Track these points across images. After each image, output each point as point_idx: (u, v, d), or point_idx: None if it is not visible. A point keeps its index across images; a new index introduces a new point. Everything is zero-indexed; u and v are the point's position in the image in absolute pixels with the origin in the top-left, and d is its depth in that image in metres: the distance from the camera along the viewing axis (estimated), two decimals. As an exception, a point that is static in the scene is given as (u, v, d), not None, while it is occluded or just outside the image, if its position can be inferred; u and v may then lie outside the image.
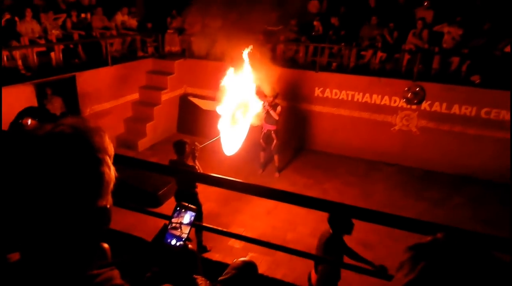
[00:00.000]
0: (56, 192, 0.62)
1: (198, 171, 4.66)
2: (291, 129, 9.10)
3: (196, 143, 4.73)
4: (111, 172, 0.70)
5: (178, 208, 1.45)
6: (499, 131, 7.44)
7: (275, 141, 7.34)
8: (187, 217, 1.44)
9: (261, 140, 7.40)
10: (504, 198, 6.95)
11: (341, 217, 3.16)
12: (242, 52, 5.31)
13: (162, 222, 1.45)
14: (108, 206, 0.71)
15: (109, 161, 0.71)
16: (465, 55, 7.97)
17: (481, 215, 6.34)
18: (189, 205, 1.47)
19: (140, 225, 4.38)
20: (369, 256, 3.49)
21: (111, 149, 0.72)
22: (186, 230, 1.42)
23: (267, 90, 6.84)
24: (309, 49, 9.27)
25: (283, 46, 9.52)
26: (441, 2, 8.87)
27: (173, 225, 1.43)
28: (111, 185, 0.71)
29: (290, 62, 9.39)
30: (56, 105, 6.97)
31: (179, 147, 4.65)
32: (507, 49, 7.65)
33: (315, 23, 9.28)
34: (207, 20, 10.01)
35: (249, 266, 1.23)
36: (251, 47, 5.46)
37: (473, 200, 6.89)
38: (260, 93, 5.79)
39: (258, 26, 9.34)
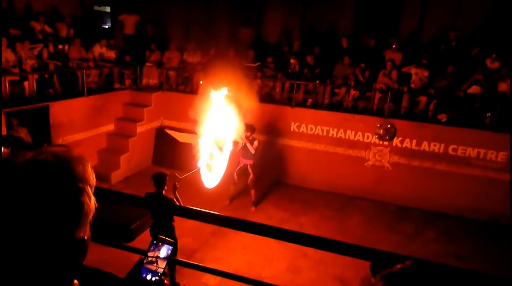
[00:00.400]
0: (33, 221, 0.60)
1: (178, 204, 4.58)
2: (268, 163, 9.16)
3: (176, 174, 4.68)
4: (91, 203, 0.69)
5: (155, 241, 1.41)
6: (466, 168, 7.77)
7: (251, 176, 7.36)
8: (164, 251, 1.40)
9: (234, 174, 7.40)
10: (473, 233, 7.15)
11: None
12: (220, 87, 5.42)
13: (134, 257, 1.40)
14: (86, 238, 0.69)
15: (90, 191, 0.69)
16: (432, 95, 8.44)
17: (453, 249, 6.46)
18: (166, 238, 1.43)
19: (110, 260, 4.17)
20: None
21: (92, 179, 0.71)
22: (162, 264, 1.37)
23: (245, 125, 6.94)
24: (285, 86, 9.55)
25: (260, 82, 9.77)
26: (408, 46, 9.49)
27: (149, 259, 1.38)
28: (90, 216, 0.70)
29: (267, 97, 9.62)
30: (22, 136, 6.76)
31: (160, 179, 4.56)
32: (470, 90, 8.18)
33: (291, 60, 9.63)
34: (185, 55, 10.22)
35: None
36: (229, 82, 5.59)
37: (444, 235, 7.04)
38: (238, 127, 5.89)
39: (236, 62, 9.60)
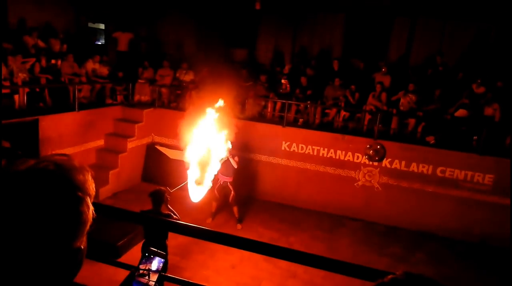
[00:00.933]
0: (30, 229, 0.60)
1: (176, 218, 4.55)
2: (256, 181, 9.15)
3: (167, 188, 4.68)
4: (90, 213, 0.69)
5: (146, 254, 1.40)
6: (454, 190, 7.87)
7: (232, 192, 7.36)
8: (156, 263, 1.38)
9: (215, 191, 7.40)
10: (462, 255, 7.17)
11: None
12: (211, 104, 5.53)
13: (118, 276, 1.38)
14: (82, 247, 0.69)
15: (89, 201, 0.69)
16: (420, 117, 8.62)
17: (440, 272, 6.46)
18: (158, 251, 1.42)
19: (95, 278, 4.08)
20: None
21: (92, 189, 0.71)
22: (154, 277, 1.36)
23: (230, 141, 7.04)
24: (277, 105, 9.65)
25: (252, 101, 9.87)
26: (397, 69, 9.74)
27: (141, 272, 1.37)
28: (88, 226, 0.69)
29: (258, 116, 9.70)
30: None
31: (158, 196, 4.48)
32: (457, 113, 8.38)
33: (282, 81, 9.78)
34: (178, 73, 10.31)
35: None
36: (220, 101, 5.71)
37: (433, 257, 7.05)
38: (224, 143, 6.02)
39: (229, 81, 9.71)
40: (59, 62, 8.88)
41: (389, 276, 0.66)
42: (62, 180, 0.65)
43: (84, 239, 0.69)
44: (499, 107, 8.14)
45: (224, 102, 5.71)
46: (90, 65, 9.43)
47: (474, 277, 6.37)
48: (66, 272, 0.66)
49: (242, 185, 8.88)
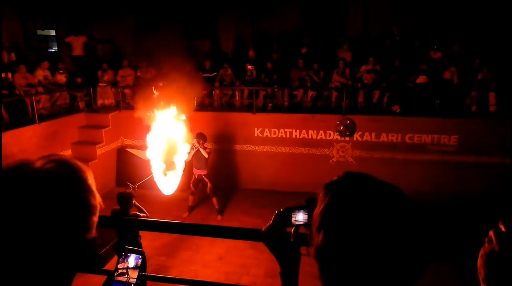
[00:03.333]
0: (47, 225, 0.64)
1: (144, 215, 4.52)
2: (234, 171, 9.15)
3: (128, 183, 4.67)
4: (96, 200, 0.74)
5: (123, 253, 1.37)
6: (423, 155, 8.17)
7: (209, 184, 7.36)
8: (133, 260, 1.36)
9: (191, 185, 7.45)
10: (435, 215, 7.49)
11: None
12: (175, 100, 5.53)
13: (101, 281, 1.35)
14: (93, 238, 0.74)
15: (97, 195, 0.74)
16: (384, 88, 8.83)
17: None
18: (135, 248, 1.39)
19: (80, 291, 3.99)
20: None
21: (94, 185, 0.75)
22: (134, 274, 1.33)
23: (196, 133, 7.05)
24: (244, 93, 9.61)
25: (218, 92, 9.78)
26: (357, 44, 9.89)
27: (120, 271, 1.34)
28: (97, 215, 0.74)
29: (227, 106, 9.64)
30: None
31: (123, 198, 4.48)
32: (418, 80, 8.64)
33: (248, 67, 9.72)
34: (139, 72, 10.03)
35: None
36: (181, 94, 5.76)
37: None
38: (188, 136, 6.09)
39: (193, 74, 9.56)
40: (9, 75, 8.40)
41: (334, 178, 0.77)
42: (70, 180, 0.70)
43: (94, 230, 0.74)
44: (456, 70, 8.46)
45: (184, 95, 5.79)
46: (40, 73, 8.98)
47: (449, 233, 6.68)
48: (79, 261, 0.72)
49: (221, 176, 8.86)
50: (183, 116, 5.83)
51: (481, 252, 0.73)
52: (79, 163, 0.75)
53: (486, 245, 0.73)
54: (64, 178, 0.69)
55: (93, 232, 0.74)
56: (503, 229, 0.71)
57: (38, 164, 0.69)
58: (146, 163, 8.44)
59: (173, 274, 5.60)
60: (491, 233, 0.73)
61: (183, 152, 5.71)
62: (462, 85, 8.40)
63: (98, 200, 0.75)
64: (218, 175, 8.75)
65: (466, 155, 7.88)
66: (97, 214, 0.74)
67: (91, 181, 0.74)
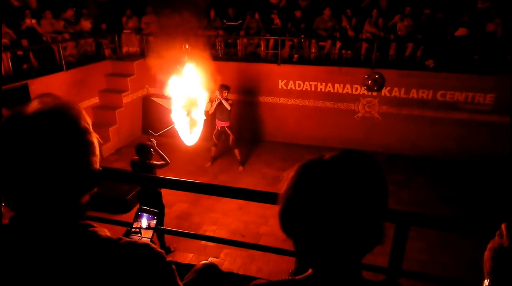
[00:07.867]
0: (56, 159, 0.72)
1: (164, 162, 4.68)
2: (257, 123, 9.15)
3: (150, 131, 4.79)
4: (95, 139, 0.81)
5: (138, 212, 1.43)
6: (454, 113, 7.82)
7: (231, 136, 7.42)
8: (145, 221, 1.41)
9: (213, 136, 7.52)
10: (463, 175, 7.34)
11: None
12: (199, 49, 5.45)
13: (122, 230, 1.41)
14: (98, 169, 0.82)
15: (93, 133, 0.81)
16: (419, 40, 8.29)
17: (441, 193, 6.66)
18: (150, 209, 1.44)
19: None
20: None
21: (88, 118, 0.82)
22: (147, 234, 1.39)
23: (220, 85, 6.99)
24: (269, 43, 9.30)
25: (244, 41, 9.50)
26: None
27: (133, 230, 1.40)
28: (98, 152, 0.82)
29: (251, 56, 9.40)
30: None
31: (141, 150, 4.62)
32: (457, 33, 8.03)
33: (273, 16, 9.31)
34: (163, 19, 9.80)
35: (210, 268, 1.23)
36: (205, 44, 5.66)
37: (434, 180, 7.22)
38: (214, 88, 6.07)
39: (216, 22, 9.26)
40: (34, 21, 8.39)
41: (327, 155, 0.77)
42: (67, 116, 0.77)
43: (98, 162, 0.83)
44: (501, 22, 7.76)
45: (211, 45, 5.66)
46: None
47: (474, 195, 6.57)
48: (87, 189, 0.80)
49: (243, 128, 8.91)
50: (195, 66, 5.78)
51: (490, 245, 0.70)
52: (71, 104, 0.80)
53: (496, 238, 0.70)
54: (63, 113, 0.76)
55: (97, 166, 0.82)
56: None
57: (31, 108, 0.75)
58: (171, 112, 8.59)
59: (195, 221, 5.88)
60: (503, 226, 0.69)
61: (203, 102, 5.72)
62: (505, 39, 7.74)
63: (94, 136, 0.81)
64: (241, 127, 8.79)
65: (501, 115, 7.46)
66: (96, 150, 0.81)
67: (85, 120, 0.80)
